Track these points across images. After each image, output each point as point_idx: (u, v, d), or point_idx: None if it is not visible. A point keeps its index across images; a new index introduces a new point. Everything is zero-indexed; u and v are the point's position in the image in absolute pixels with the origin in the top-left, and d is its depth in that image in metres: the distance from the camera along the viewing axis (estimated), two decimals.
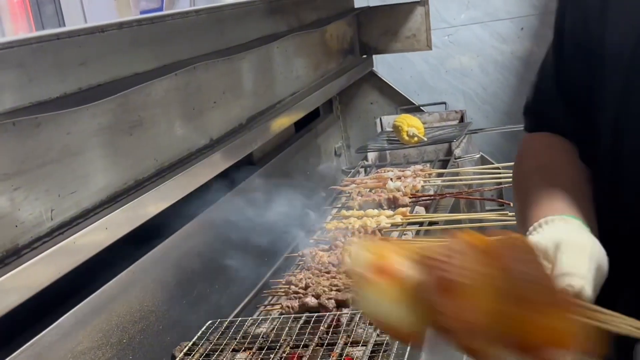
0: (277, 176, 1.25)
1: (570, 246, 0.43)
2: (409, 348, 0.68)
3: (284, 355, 0.71)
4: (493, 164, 1.47)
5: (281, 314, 0.85)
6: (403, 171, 1.31)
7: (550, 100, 0.60)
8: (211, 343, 0.81)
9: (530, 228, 0.48)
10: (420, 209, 1.16)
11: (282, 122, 1.21)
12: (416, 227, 1.08)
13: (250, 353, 0.77)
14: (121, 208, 0.69)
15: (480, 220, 1.13)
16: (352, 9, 1.74)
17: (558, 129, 0.58)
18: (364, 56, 1.82)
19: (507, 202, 1.23)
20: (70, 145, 0.62)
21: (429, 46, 1.73)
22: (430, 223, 1.11)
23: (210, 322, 0.86)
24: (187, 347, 0.78)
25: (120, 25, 0.72)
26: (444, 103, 1.85)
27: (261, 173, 1.18)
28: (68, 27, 0.81)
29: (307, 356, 0.72)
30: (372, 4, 1.85)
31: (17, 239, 0.56)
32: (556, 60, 0.56)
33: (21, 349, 0.56)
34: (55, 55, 0.63)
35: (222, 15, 1.09)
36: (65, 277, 0.59)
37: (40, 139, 0.59)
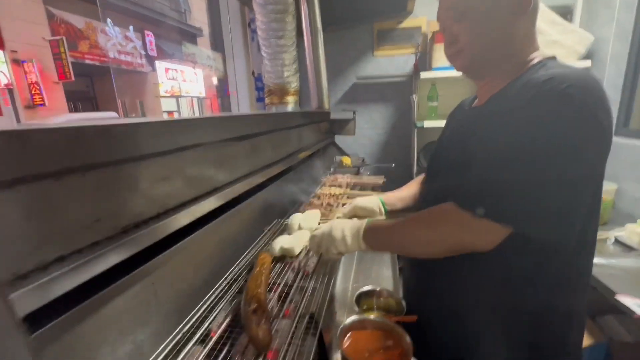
0: (301, 175, 1.70)
1: (360, 200, 1.02)
2: None
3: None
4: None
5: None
6: (343, 174, 1.96)
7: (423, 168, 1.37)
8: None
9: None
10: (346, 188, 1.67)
11: (306, 153, 1.82)
12: (346, 192, 1.60)
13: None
14: None
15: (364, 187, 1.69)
16: (330, 119, 2.60)
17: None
18: (333, 134, 2.73)
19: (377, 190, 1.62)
20: None
21: (354, 133, 2.71)
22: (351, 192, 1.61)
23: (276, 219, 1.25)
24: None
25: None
26: (357, 154, 2.90)
27: (296, 171, 1.64)
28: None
29: None
30: (334, 117, 2.66)
31: None
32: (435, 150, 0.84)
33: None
34: None
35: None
36: None
37: None
